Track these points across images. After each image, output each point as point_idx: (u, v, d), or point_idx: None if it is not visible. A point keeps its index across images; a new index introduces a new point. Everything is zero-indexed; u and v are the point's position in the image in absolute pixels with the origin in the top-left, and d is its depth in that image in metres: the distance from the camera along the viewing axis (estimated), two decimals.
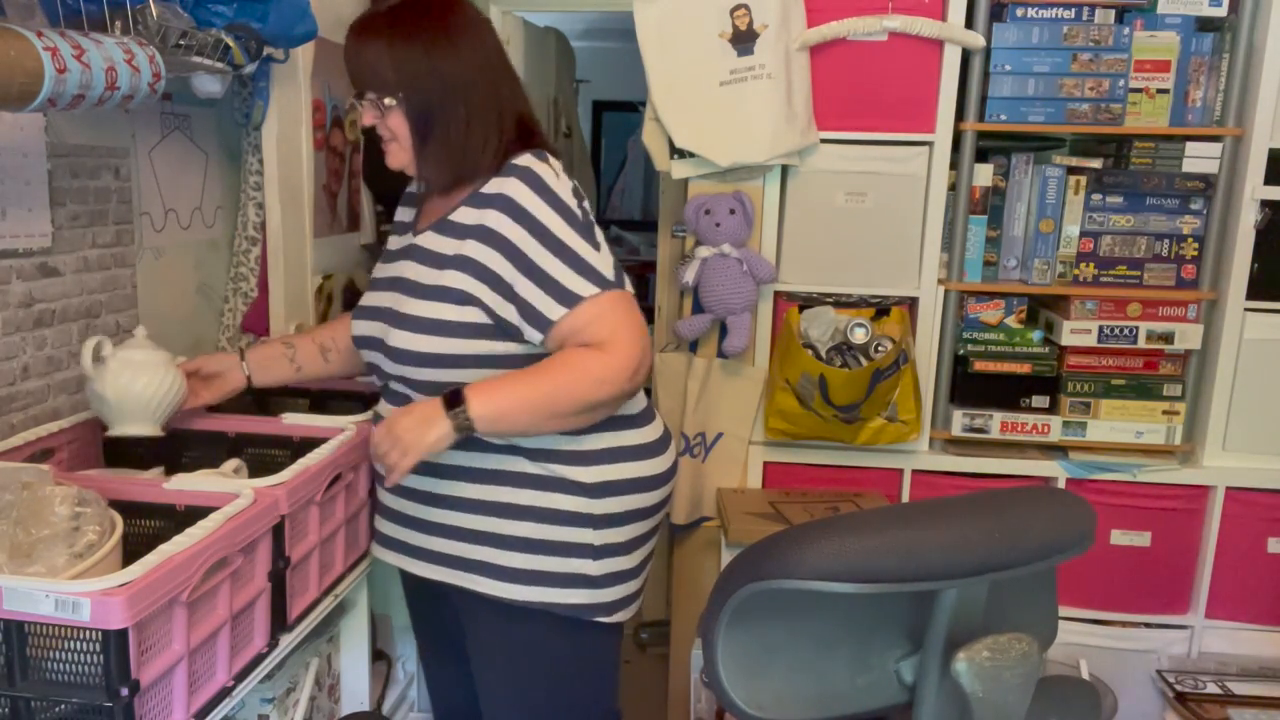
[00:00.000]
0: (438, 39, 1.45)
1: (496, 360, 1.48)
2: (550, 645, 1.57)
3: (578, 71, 4.15)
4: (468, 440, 1.46)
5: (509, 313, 1.45)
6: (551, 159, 1.51)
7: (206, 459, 1.66)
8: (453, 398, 1.40)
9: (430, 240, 1.53)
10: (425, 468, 1.51)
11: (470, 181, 1.50)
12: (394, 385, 1.58)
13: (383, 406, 1.64)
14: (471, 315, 1.46)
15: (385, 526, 1.67)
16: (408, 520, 1.61)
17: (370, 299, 1.62)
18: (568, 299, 1.42)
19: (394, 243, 1.66)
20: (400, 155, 1.53)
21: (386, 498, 1.64)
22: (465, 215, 1.49)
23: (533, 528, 1.52)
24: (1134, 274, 2.37)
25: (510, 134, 1.50)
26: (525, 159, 1.48)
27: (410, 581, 1.72)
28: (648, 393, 1.66)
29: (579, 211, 1.48)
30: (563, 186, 1.48)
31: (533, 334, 1.45)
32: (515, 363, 1.47)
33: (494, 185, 1.47)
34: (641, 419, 1.60)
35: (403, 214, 1.69)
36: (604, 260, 1.47)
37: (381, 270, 1.64)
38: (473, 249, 1.46)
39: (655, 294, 2.94)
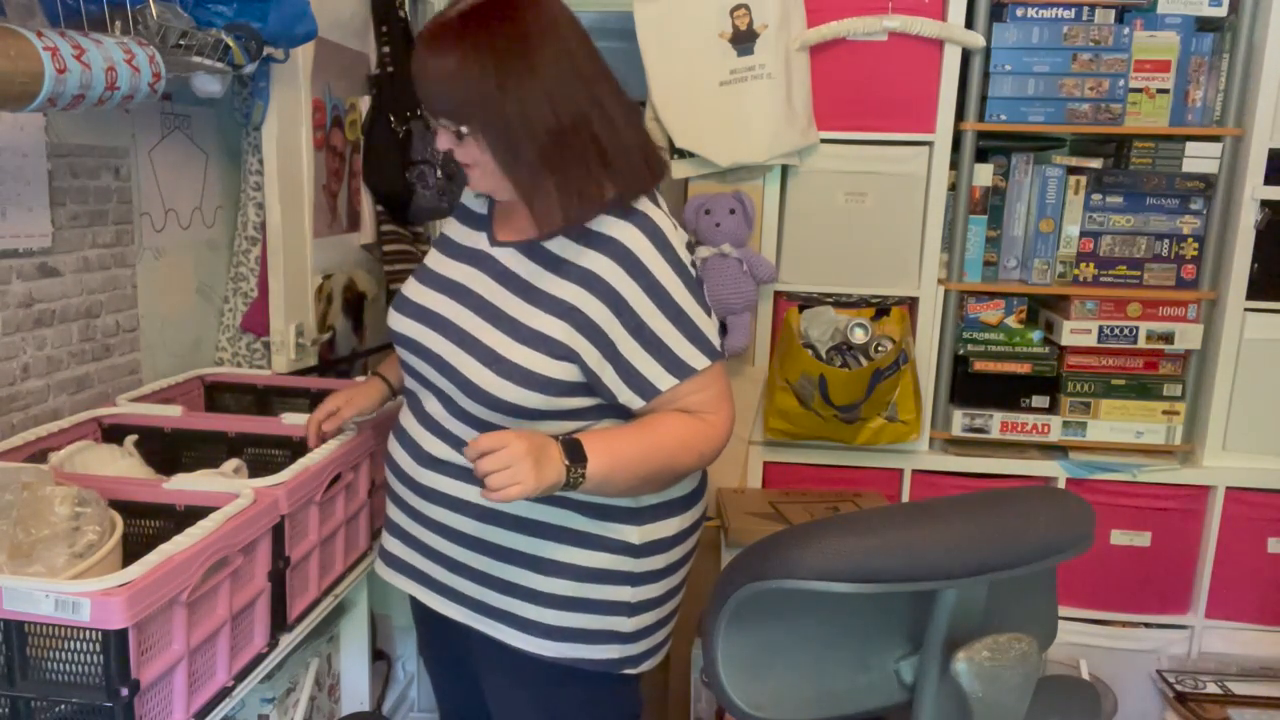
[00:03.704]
0: (512, 51, 1.23)
1: (571, 414, 1.36)
2: (571, 698, 1.47)
3: None
4: None
5: (606, 372, 1.33)
6: (662, 201, 1.38)
7: (206, 459, 1.66)
8: (571, 449, 1.25)
9: (514, 261, 1.37)
10: (462, 506, 1.42)
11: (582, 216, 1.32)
12: (434, 405, 1.44)
13: (405, 417, 1.50)
14: (565, 372, 1.32)
15: (400, 549, 1.53)
16: (430, 552, 1.48)
17: (424, 296, 1.44)
18: (680, 370, 1.33)
19: (459, 233, 1.48)
20: (484, 180, 1.35)
21: (407, 523, 1.50)
22: (563, 248, 1.33)
23: (570, 585, 1.41)
24: (1134, 274, 2.37)
25: (626, 163, 1.31)
26: (644, 204, 1.34)
27: (421, 607, 1.58)
28: None
29: (693, 270, 1.37)
30: (679, 240, 1.35)
31: (632, 398, 1.34)
32: (586, 415, 1.37)
33: (605, 224, 1.32)
34: None
35: (474, 203, 1.49)
36: (712, 326, 1.37)
37: (440, 264, 1.46)
38: (577, 296, 1.31)
39: None
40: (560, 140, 1.27)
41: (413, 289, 1.47)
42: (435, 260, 1.48)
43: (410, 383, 1.50)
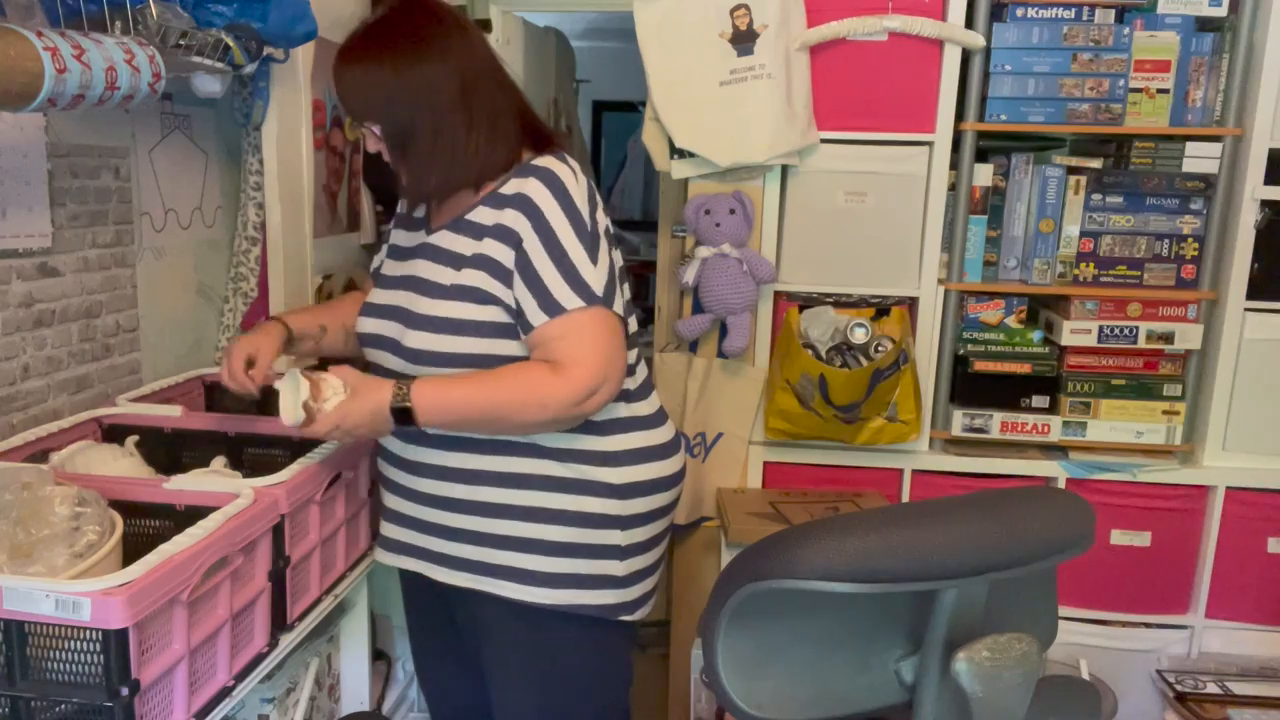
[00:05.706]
0: (404, 58, 1.43)
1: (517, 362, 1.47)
2: (573, 646, 1.57)
3: (578, 71, 4.15)
4: (492, 444, 1.49)
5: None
6: (570, 159, 1.50)
7: (207, 459, 1.66)
8: (401, 379, 1.42)
9: (446, 239, 1.51)
10: (448, 474, 1.52)
11: (475, 186, 1.49)
12: None
13: None
14: (493, 314, 1.46)
15: (397, 532, 1.63)
16: (426, 526, 1.58)
17: (379, 296, 1.59)
18: (551, 308, 1.42)
19: (404, 238, 1.63)
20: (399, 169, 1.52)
21: (400, 504, 1.61)
22: (483, 215, 1.48)
23: (563, 531, 1.51)
24: (1134, 274, 2.37)
25: (512, 137, 1.49)
26: (546, 160, 1.48)
27: (415, 584, 1.68)
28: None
29: (589, 220, 1.46)
30: (579, 192, 1.46)
31: (520, 334, 1.46)
32: None
33: (513, 185, 1.47)
34: (657, 419, 1.61)
35: (415, 210, 1.64)
36: (596, 275, 1.44)
37: (392, 267, 1.61)
38: (490, 247, 1.46)
39: (655, 294, 2.94)
40: (439, 123, 1.44)
41: (374, 294, 1.63)
42: (389, 266, 1.63)
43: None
